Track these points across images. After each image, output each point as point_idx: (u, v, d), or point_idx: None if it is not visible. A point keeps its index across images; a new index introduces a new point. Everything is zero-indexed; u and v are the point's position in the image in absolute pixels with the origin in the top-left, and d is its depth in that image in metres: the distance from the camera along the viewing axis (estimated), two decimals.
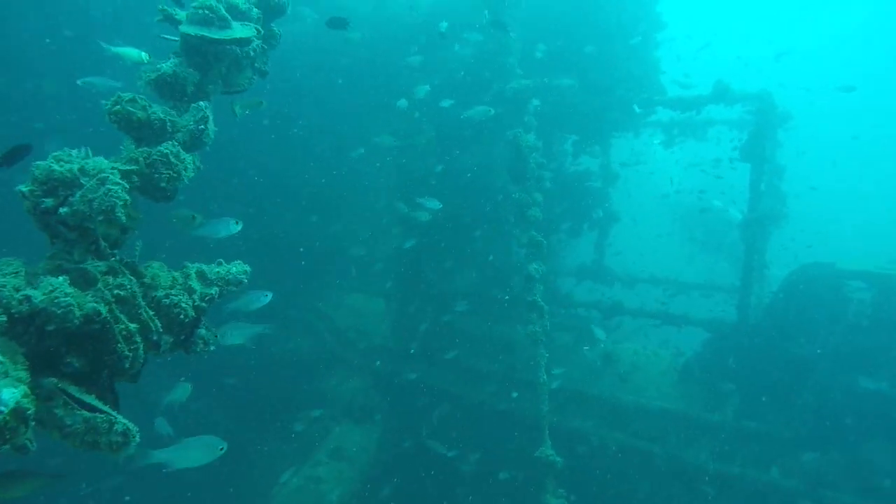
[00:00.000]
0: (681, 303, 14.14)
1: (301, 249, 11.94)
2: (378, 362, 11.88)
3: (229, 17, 3.04)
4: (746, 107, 11.84)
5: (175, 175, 2.58)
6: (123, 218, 2.19)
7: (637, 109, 10.26)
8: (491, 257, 11.70)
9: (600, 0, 10.84)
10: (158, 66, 2.89)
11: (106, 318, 2.03)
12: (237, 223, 3.73)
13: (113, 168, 2.29)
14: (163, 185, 2.56)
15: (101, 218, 2.13)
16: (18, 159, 3.77)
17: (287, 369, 12.33)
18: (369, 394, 11.84)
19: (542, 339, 7.90)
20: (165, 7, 3.04)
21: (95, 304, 2.02)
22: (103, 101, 2.72)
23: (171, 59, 2.95)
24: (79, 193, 2.14)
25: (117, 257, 2.36)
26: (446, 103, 8.41)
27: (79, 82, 5.35)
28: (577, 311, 12.62)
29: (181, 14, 3.10)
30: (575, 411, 10.27)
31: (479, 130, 10.27)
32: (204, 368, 12.71)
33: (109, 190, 2.13)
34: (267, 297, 4.24)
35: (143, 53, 3.58)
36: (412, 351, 11.35)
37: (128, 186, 2.28)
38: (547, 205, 9.32)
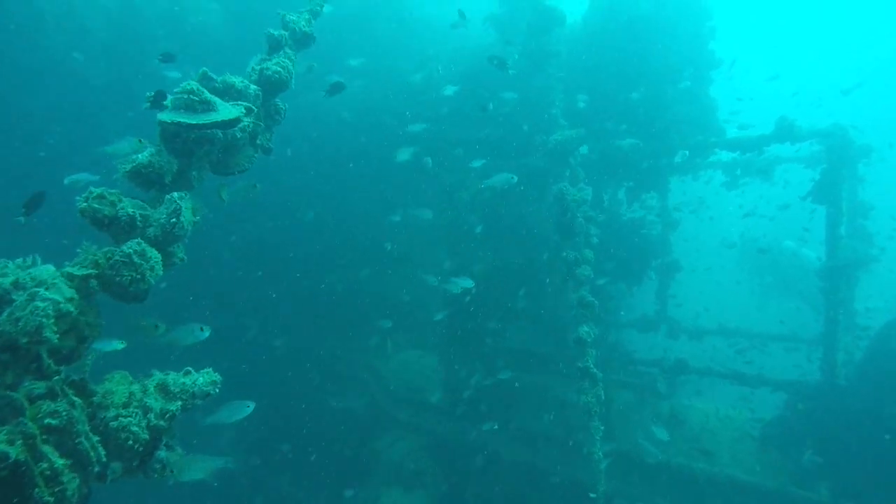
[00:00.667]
0: (755, 356, 12.86)
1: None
2: (429, 423, 11.44)
3: (213, 100, 2.87)
4: (817, 144, 10.92)
5: (139, 277, 2.34)
6: (54, 338, 1.95)
7: (685, 154, 9.56)
8: (541, 314, 11.12)
9: (650, 43, 10.48)
10: (134, 156, 2.73)
11: (17, 460, 1.77)
12: (203, 329, 3.48)
13: (58, 277, 2.07)
14: (126, 287, 2.34)
15: (25, 340, 1.90)
16: (37, 207, 3.87)
17: (340, 430, 12.13)
18: (420, 456, 11.36)
19: (596, 410, 7.17)
20: (151, 94, 2.91)
21: (4, 447, 1.76)
22: (77, 198, 2.57)
23: (148, 149, 2.78)
24: (7, 311, 1.93)
25: (63, 374, 2.12)
26: (477, 163, 8.09)
27: (66, 181, 5.44)
28: (638, 369, 11.72)
29: (169, 99, 2.97)
30: (638, 481, 9.35)
31: (522, 184, 9.92)
32: (261, 434, 12.77)
33: (37, 308, 1.90)
34: (249, 408, 3.92)
35: (141, 143, 3.50)
36: (458, 412, 10.83)
37: (61, 298, 2.03)
38: (600, 254, 8.74)
